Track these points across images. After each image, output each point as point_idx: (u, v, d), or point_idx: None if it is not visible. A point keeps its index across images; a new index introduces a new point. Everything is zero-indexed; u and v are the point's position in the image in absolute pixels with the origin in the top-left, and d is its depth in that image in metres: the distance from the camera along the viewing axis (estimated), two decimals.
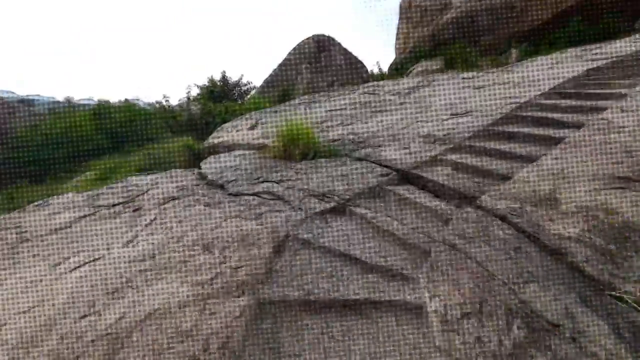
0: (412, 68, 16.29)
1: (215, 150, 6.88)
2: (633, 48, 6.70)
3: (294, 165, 4.24)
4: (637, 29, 15.66)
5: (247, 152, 5.54)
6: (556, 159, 2.90)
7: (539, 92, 4.91)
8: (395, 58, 24.44)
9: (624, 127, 3.06)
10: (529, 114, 4.14)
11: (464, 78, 7.36)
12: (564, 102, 4.42)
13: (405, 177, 3.59)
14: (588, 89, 4.65)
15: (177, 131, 12.37)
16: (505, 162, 3.34)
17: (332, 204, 3.17)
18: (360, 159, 4.17)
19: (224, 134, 7.66)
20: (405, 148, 4.16)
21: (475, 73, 7.56)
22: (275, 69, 24.41)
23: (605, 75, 5.05)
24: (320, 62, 24.98)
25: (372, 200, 3.25)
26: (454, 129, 4.24)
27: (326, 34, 25.19)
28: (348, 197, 3.24)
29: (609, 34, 15.66)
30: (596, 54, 7.00)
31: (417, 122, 4.70)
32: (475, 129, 4.12)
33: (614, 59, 5.84)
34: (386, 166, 3.81)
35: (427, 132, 4.36)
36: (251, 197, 3.49)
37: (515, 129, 3.96)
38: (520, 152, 3.41)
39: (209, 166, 5.11)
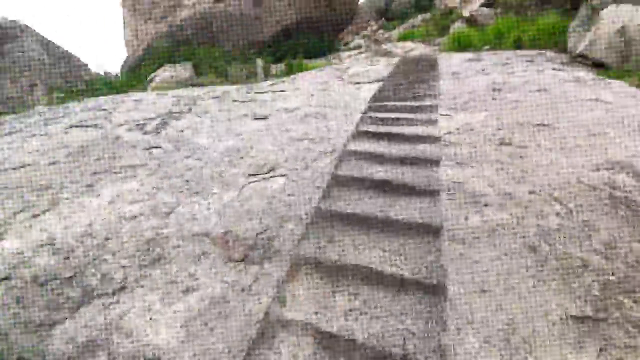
0: (153, 75, 13.06)
1: None
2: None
3: None
4: (339, 48, 19.86)
5: None
6: None
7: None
8: (129, 56, 19.75)
9: None
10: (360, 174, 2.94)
11: (235, 101, 5.73)
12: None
13: None
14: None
15: None
16: None
17: None
18: None
19: None
20: None
21: (247, 90, 6.02)
22: None
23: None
24: (3, 58, 16.63)
25: None
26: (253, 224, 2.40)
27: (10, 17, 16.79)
28: None
29: (321, 49, 19.08)
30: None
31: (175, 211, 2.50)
32: (305, 217, 2.46)
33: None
34: None
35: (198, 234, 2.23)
36: None
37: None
38: None
39: None
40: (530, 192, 2.28)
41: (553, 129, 3.13)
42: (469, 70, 5.55)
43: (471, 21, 10.37)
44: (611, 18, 5.73)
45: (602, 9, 6.24)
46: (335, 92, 5.12)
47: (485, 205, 2.17)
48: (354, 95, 4.78)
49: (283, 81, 7.09)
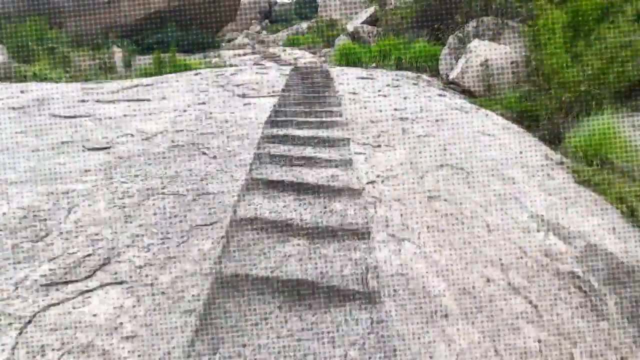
0: None
1: None
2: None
3: None
4: (214, 44, 17.97)
5: None
6: None
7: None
8: None
9: None
10: None
11: (56, 116, 3.81)
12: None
13: None
14: None
15: None
16: None
17: None
18: None
19: None
20: None
21: (84, 95, 4.03)
22: None
23: None
24: None
25: None
26: None
27: None
28: None
29: (200, 44, 16.91)
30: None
31: None
32: None
33: None
34: None
35: None
36: None
37: None
38: None
39: None
40: (487, 281, 1.77)
41: (469, 174, 2.85)
42: (366, 89, 5.21)
43: (355, 36, 10.52)
44: (476, 52, 6.36)
45: (469, 42, 6.94)
46: (217, 109, 3.94)
47: (445, 316, 1.52)
48: (244, 115, 3.73)
49: (146, 84, 5.40)
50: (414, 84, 6.20)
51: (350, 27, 10.68)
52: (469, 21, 7.45)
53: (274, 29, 28.82)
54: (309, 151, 2.93)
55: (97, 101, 3.99)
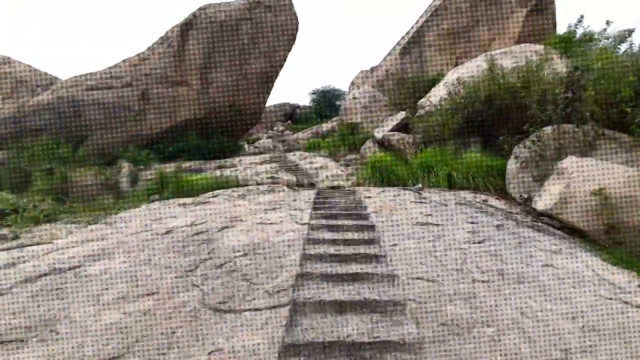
0: None
1: None
2: None
3: None
4: (238, 150, 17.43)
5: None
6: None
7: None
8: None
9: None
10: None
11: None
12: None
13: None
14: None
15: None
16: None
17: None
18: None
19: None
20: None
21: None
22: None
23: None
24: None
25: None
26: None
27: None
28: None
29: (221, 150, 16.40)
30: None
31: None
32: None
33: None
34: None
35: None
36: None
37: None
38: None
39: None
40: None
41: None
42: (425, 242, 3.08)
43: (384, 144, 9.05)
44: (577, 173, 4.36)
45: (553, 157, 5.02)
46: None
47: None
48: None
49: (110, 229, 3.55)
50: (499, 225, 4.04)
51: (378, 134, 9.34)
52: (535, 128, 5.65)
53: (296, 128, 29.38)
54: None
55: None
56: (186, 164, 13.06)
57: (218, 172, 10.27)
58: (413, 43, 20.11)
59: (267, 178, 8.81)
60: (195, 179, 8.02)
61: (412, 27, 20.59)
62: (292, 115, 35.85)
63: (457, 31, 18.37)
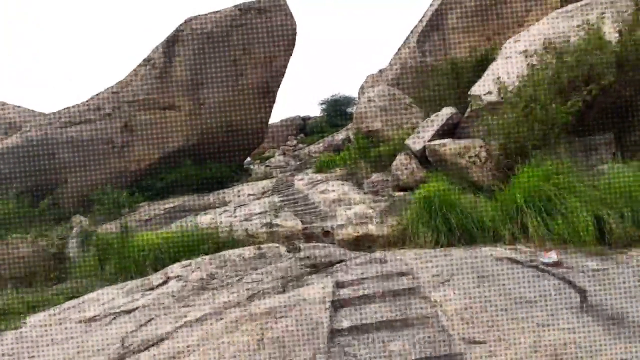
0: None
1: None
2: None
3: None
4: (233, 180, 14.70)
5: None
6: None
7: None
8: None
9: None
10: None
11: None
12: None
13: None
14: None
15: None
16: None
17: None
18: None
19: None
20: None
21: None
22: None
23: None
24: None
25: None
26: None
27: None
28: None
29: (219, 178, 13.82)
30: None
31: None
32: None
33: None
34: None
35: None
36: None
37: None
38: None
39: None
40: None
41: None
42: None
43: (428, 159, 5.96)
44: None
45: None
46: None
47: None
48: None
49: None
50: None
51: (415, 144, 6.28)
52: None
53: (309, 141, 26.88)
54: None
55: None
56: (168, 205, 10.45)
57: (202, 217, 7.49)
58: (432, 28, 16.81)
59: (262, 226, 5.91)
60: (151, 240, 5.22)
61: (427, 11, 17.40)
62: (304, 128, 33.32)
63: (484, 8, 14.98)
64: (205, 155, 14.80)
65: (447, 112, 6.19)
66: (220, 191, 11.51)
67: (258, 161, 24.40)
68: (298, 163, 21.95)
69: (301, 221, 5.65)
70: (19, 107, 18.90)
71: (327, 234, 5.16)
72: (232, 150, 15.73)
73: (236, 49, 15.15)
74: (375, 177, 7.82)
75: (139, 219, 9.15)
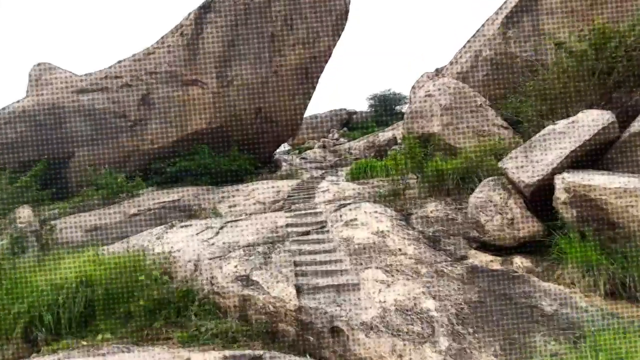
0: None
1: None
2: None
3: None
4: (260, 173, 12.44)
5: None
6: None
7: None
8: None
9: None
10: None
11: None
12: None
13: None
14: None
15: None
16: None
17: None
18: None
19: None
20: None
21: None
22: None
23: None
24: None
25: None
26: None
27: None
28: None
29: (238, 171, 11.77)
30: None
31: None
32: None
33: None
34: None
35: None
36: None
37: None
38: None
39: None
40: None
41: None
42: None
43: (543, 199, 3.07)
44: None
45: None
46: None
47: None
48: None
49: None
50: None
51: (528, 176, 3.30)
52: None
53: (351, 136, 24.41)
54: None
55: None
56: (167, 198, 8.49)
57: (172, 233, 5.29)
58: (522, 11, 12.93)
59: (236, 279, 3.48)
60: (45, 283, 3.01)
61: None
62: (348, 122, 30.74)
63: None
64: (228, 143, 12.76)
65: (595, 118, 3.19)
66: (231, 188, 9.35)
67: (297, 152, 22.43)
68: (335, 159, 19.47)
69: (297, 288, 3.09)
70: (67, 71, 18.42)
71: (336, 334, 2.55)
72: (260, 140, 13.57)
73: (276, 23, 12.76)
74: (433, 208, 4.99)
75: (125, 212, 7.27)
